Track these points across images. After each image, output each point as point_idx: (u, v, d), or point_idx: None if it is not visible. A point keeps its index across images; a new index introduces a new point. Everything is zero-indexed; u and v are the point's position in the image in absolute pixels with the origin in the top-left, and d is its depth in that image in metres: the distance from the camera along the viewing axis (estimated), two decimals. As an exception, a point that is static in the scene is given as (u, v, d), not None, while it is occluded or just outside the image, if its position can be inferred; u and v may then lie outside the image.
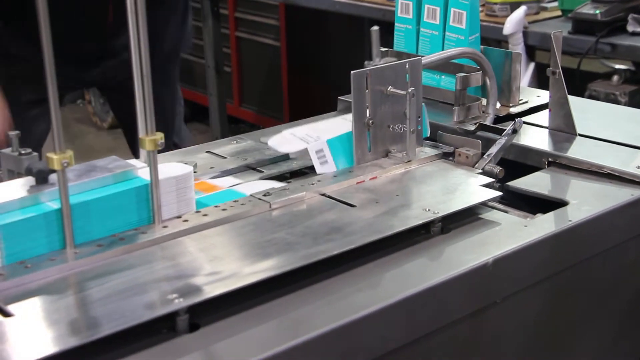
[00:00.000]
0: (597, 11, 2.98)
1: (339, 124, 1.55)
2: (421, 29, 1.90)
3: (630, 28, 2.97)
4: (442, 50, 1.87)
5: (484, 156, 1.54)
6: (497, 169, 1.51)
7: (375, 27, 1.84)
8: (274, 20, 4.84)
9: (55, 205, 1.18)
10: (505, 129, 1.60)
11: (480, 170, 1.51)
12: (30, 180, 1.22)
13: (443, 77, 1.88)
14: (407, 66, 1.54)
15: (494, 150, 1.55)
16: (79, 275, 1.15)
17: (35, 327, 1.04)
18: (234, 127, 5.07)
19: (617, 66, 3.17)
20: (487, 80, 1.79)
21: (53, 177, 1.19)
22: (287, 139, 1.54)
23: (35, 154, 1.24)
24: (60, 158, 1.14)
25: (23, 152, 1.26)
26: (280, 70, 4.89)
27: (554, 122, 1.72)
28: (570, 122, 1.69)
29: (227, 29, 5.10)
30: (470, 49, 1.79)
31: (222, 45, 4.90)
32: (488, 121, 1.74)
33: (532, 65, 3.25)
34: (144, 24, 1.23)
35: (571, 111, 1.69)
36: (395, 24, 1.94)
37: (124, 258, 1.20)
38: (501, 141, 1.57)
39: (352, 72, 1.48)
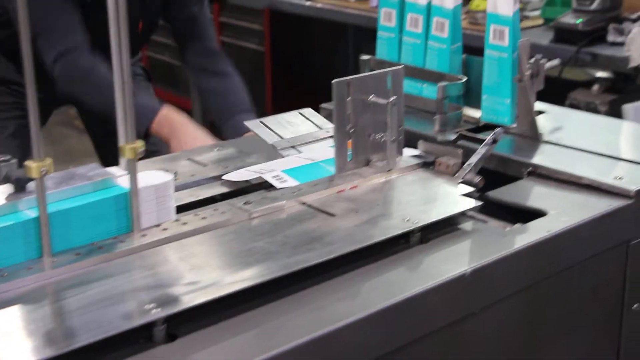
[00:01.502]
0: (578, 21, 3.00)
1: (293, 160, 1.55)
2: (403, 38, 1.90)
3: (610, 38, 2.99)
4: (425, 59, 1.87)
5: (464, 166, 1.54)
6: (478, 179, 1.50)
7: None
8: (258, 26, 4.84)
9: (33, 213, 1.17)
10: (486, 139, 1.60)
11: (461, 180, 1.51)
12: (8, 188, 1.21)
13: (425, 85, 1.88)
14: (388, 75, 1.54)
15: (474, 159, 1.55)
16: (56, 284, 1.14)
17: (11, 337, 1.02)
18: (217, 130, 5.05)
19: (599, 74, 3.19)
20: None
21: (32, 185, 1.18)
22: (241, 173, 1.52)
23: (14, 161, 1.23)
24: (39, 166, 1.13)
25: (1, 159, 1.25)
26: (264, 74, 4.89)
27: (520, 128, 1.74)
28: (534, 128, 1.71)
29: (212, 34, 5.09)
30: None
31: (207, 49, 4.89)
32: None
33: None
34: (126, 32, 1.22)
35: (535, 118, 1.70)
36: (378, 32, 1.94)
37: (102, 267, 1.19)
38: (481, 151, 1.57)
39: (333, 81, 1.47)
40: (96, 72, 2.21)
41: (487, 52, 1.76)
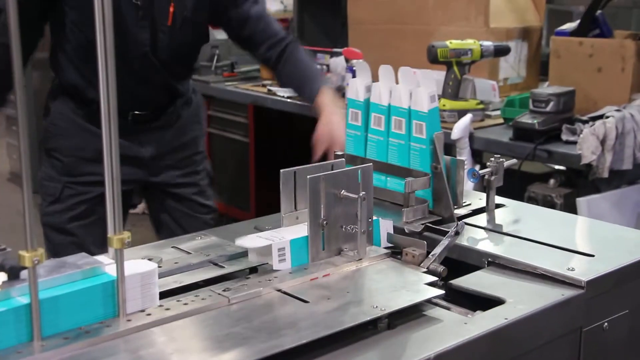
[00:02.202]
0: (535, 121, 3.06)
1: (300, 229, 1.56)
2: (368, 135, 1.93)
3: (564, 137, 3.05)
4: (387, 154, 1.89)
5: (429, 256, 1.55)
6: (441, 268, 1.52)
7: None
8: (243, 119, 4.89)
9: (25, 300, 1.17)
10: (449, 231, 1.62)
11: (425, 269, 1.52)
12: (2, 276, 1.21)
13: (389, 178, 1.91)
14: (359, 172, 1.57)
15: (438, 250, 1.57)
16: (45, 367, 1.13)
17: (-1, 419, 1.01)
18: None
19: (557, 167, 3.24)
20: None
21: (25, 273, 1.18)
22: (254, 239, 1.53)
23: (9, 250, 1.23)
24: (32, 256, 1.13)
25: (-3, 248, 1.25)
26: (248, 163, 4.93)
27: (437, 209, 1.81)
28: (449, 210, 1.77)
29: (200, 126, 5.14)
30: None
31: (195, 140, 4.93)
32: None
33: (476, 168, 3.30)
34: (116, 135, 1.24)
35: (450, 200, 1.77)
36: (347, 130, 1.98)
37: (88, 350, 1.18)
38: (444, 242, 1.59)
39: (308, 176, 1.49)
40: None
41: (411, 144, 1.84)
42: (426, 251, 1.57)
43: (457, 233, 1.63)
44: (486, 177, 1.86)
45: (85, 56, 2.41)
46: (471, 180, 1.87)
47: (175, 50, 2.51)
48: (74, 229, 2.52)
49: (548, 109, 3.07)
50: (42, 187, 2.57)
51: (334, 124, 2.39)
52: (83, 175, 2.52)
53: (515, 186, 2.68)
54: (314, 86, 2.53)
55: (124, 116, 2.49)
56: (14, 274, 1.19)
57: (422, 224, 1.73)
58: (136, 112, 2.54)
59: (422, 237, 1.66)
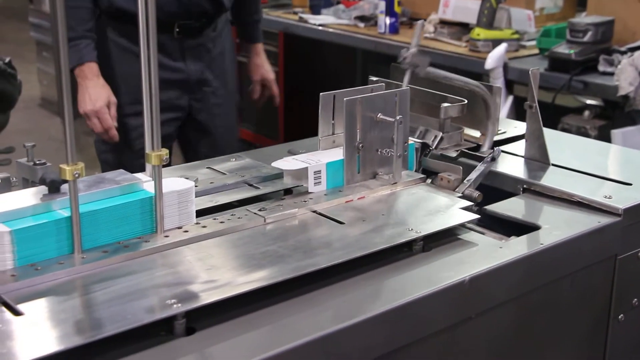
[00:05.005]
0: (571, 51, 3.01)
1: (335, 153, 1.55)
2: None
3: (601, 68, 2.99)
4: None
5: (464, 181, 1.55)
6: (476, 194, 1.51)
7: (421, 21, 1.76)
8: (273, 47, 4.85)
9: (65, 213, 1.18)
10: (485, 157, 1.60)
11: (461, 194, 1.51)
12: (43, 189, 1.22)
13: None
14: (396, 95, 1.55)
15: (473, 175, 1.56)
16: (85, 278, 1.15)
17: (42, 326, 1.03)
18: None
19: (589, 101, 3.19)
20: (488, 118, 1.78)
21: (65, 187, 1.19)
22: (290, 162, 1.53)
23: (49, 164, 1.24)
24: (72, 170, 1.14)
25: (37, 162, 1.26)
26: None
27: (529, 152, 1.73)
28: (544, 152, 1.70)
29: (230, 54, 5.11)
30: (480, 85, 1.77)
31: (225, 68, 4.90)
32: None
33: (510, 98, 3.27)
34: (154, 43, 1.23)
35: (545, 142, 1.70)
36: None
37: (127, 264, 1.20)
38: (480, 168, 1.58)
39: (344, 98, 1.48)
40: None
41: None
42: (461, 177, 1.56)
43: (493, 159, 1.62)
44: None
45: None
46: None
47: None
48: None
49: (585, 39, 3.01)
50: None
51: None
52: (133, 104, 2.51)
53: (549, 119, 2.64)
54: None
55: (169, 30, 2.52)
56: (54, 188, 1.20)
57: (457, 150, 1.71)
58: (182, 22, 2.54)
59: (458, 162, 1.65)
